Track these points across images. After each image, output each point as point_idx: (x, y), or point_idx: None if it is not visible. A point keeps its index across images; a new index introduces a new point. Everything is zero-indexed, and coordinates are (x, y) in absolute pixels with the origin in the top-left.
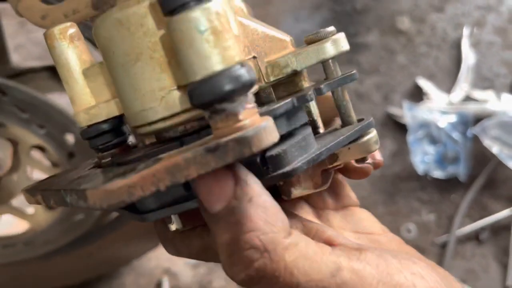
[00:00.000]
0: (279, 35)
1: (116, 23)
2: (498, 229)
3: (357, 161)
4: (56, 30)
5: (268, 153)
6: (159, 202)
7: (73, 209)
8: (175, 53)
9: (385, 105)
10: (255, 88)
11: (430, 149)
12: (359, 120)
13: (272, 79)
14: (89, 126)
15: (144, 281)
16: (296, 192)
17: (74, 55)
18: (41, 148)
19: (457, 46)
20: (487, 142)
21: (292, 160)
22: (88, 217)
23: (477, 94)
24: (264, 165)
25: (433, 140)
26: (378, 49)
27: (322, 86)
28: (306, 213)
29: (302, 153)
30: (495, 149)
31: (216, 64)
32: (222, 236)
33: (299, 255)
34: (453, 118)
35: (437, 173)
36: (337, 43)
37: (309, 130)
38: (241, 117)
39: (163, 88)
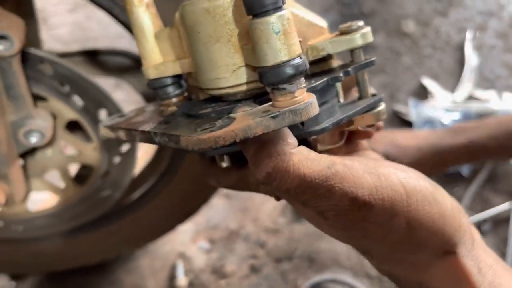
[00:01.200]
0: (319, 22)
1: (204, 11)
2: (498, 221)
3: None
4: None
5: None
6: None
7: (101, 185)
8: (251, 42)
9: (391, 103)
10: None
11: None
12: (373, 95)
13: (311, 58)
14: (156, 79)
15: (158, 264)
16: (321, 147)
17: (148, 19)
18: (75, 124)
19: (460, 48)
20: None
21: (322, 121)
22: (114, 193)
23: (480, 93)
24: (302, 123)
25: None
26: (384, 51)
27: (350, 69)
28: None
29: (329, 117)
30: None
31: (283, 56)
32: (250, 150)
33: (303, 158)
34: (456, 116)
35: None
36: (365, 36)
37: (335, 100)
38: (296, 94)
39: (235, 64)
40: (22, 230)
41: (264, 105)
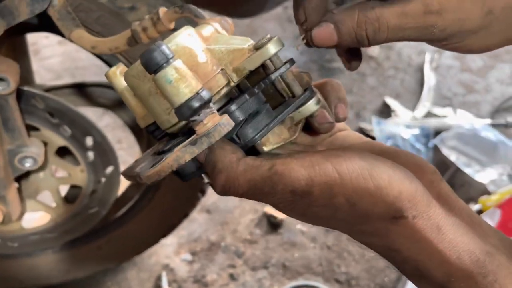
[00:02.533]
0: (239, 45)
1: (132, 78)
2: None
3: (319, 120)
4: (111, 72)
5: (238, 131)
6: (191, 170)
7: (89, 203)
8: None
9: (357, 121)
10: (217, 96)
11: None
12: (305, 90)
13: (237, 79)
14: (147, 127)
15: (145, 276)
16: (267, 148)
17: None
18: (65, 149)
19: (420, 69)
20: (445, 151)
21: (254, 132)
22: (101, 210)
23: (437, 110)
24: (238, 138)
25: None
26: (351, 73)
27: (266, 80)
28: (292, 148)
29: (261, 125)
30: (453, 157)
31: (181, 98)
32: (208, 171)
33: (246, 166)
34: (416, 131)
35: None
36: (275, 43)
37: (266, 107)
38: (205, 121)
39: (168, 108)
40: (17, 246)
41: (191, 137)
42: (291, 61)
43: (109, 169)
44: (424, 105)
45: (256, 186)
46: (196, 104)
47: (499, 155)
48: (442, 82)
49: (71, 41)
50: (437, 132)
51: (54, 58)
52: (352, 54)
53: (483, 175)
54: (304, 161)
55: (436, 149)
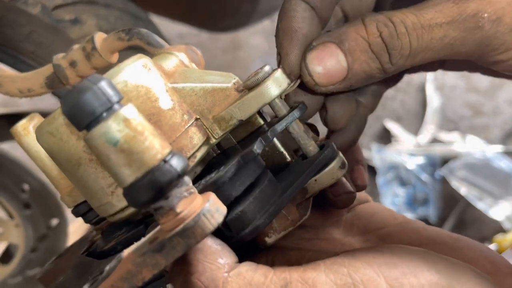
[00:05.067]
0: (220, 84)
1: (49, 136)
2: None
3: (335, 191)
4: (19, 127)
5: (228, 217)
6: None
7: (27, 264)
8: None
9: None
10: (191, 166)
11: (400, 191)
12: (321, 147)
13: (221, 133)
14: (76, 206)
15: None
16: (271, 240)
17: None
18: None
19: (422, 89)
20: (454, 183)
21: (253, 217)
22: None
23: (443, 135)
24: (228, 229)
25: (402, 182)
26: None
27: (268, 134)
28: (300, 234)
29: (263, 205)
30: (463, 190)
31: (137, 170)
32: (176, 284)
33: (243, 284)
34: (421, 160)
35: (408, 215)
36: (277, 81)
37: (267, 176)
38: (178, 209)
39: (110, 185)
40: None
41: (153, 231)
42: (302, 107)
43: (53, 222)
44: (428, 129)
45: None
46: (162, 180)
47: None
48: (446, 103)
49: None
50: (444, 161)
51: None
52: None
53: (497, 210)
54: (340, 277)
55: (443, 181)
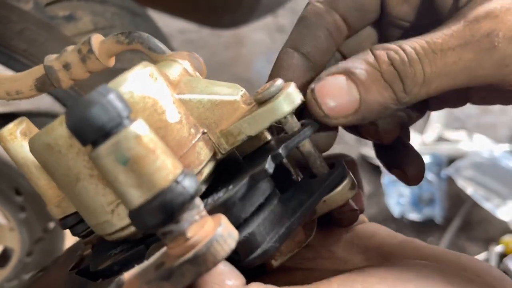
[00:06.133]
0: (227, 96)
1: (47, 148)
2: None
3: (340, 208)
4: (5, 131)
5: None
6: None
7: (23, 267)
8: None
9: (358, 146)
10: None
11: (405, 191)
12: (331, 165)
13: (228, 148)
14: (64, 218)
15: None
16: (277, 262)
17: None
18: None
19: None
20: (461, 183)
21: (262, 240)
22: None
23: (450, 134)
24: (235, 252)
25: None
26: None
27: (280, 152)
28: (302, 254)
29: (273, 227)
30: (469, 190)
31: (147, 192)
32: None
33: None
34: (427, 159)
35: (413, 216)
36: (290, 97)
37: (277, 196)
38: (189, 234)
39: (111, 202)
40: None
41: (159, 253)
42: (315, 124)
43: (50, 225)
44: (434, 128)
45: None
46: (174, 202)
47: None
48: None
49: None
50: (451, 160)
51: None
52: (398, 154)
53: (505, 211)
54: None
55: (450, 180)
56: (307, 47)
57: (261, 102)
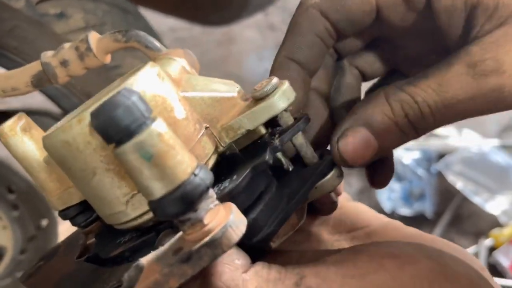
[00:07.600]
0: (226, 93)
1: (64, 145)
2: None
3: (321, 200)
4: (6, 127)
5: None
6: None
7: (16, 265)
8: None
9: None
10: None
11: (396, 186)
12: (321, 156)
13: (228, 141)
14: (65, 210)
15: None
16: (275, 244)
17: (31, 146)
18: None
19: None
20: (451, 178)
21: (264, 225)
22: None
23: (439, 129)
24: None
25: (398, 177)
26: None
27: (277, 144)
28: (293, 237)
29: (272, 212)
30: (459, 184)
31: (169, 184)
32: (194, 287)
33: (261, 280)
34: (416, 155)
35: (404, 210)
36: (285, 94)
37: (274, 184)
38: (206, 221)
39: (126, 194)
40: None
41: (174, 239)
42: (307, 118)
43: (43, 223)
44: None
45: None
46: (194, 193)
47: (510, 181)
48: None
49: None
50: (440, 155)
51: None
52: (378, 166)
53: (494, 205)
54: (347, 269)
55: (440, 175)
56: (302, 57)
57: (259, 99)
